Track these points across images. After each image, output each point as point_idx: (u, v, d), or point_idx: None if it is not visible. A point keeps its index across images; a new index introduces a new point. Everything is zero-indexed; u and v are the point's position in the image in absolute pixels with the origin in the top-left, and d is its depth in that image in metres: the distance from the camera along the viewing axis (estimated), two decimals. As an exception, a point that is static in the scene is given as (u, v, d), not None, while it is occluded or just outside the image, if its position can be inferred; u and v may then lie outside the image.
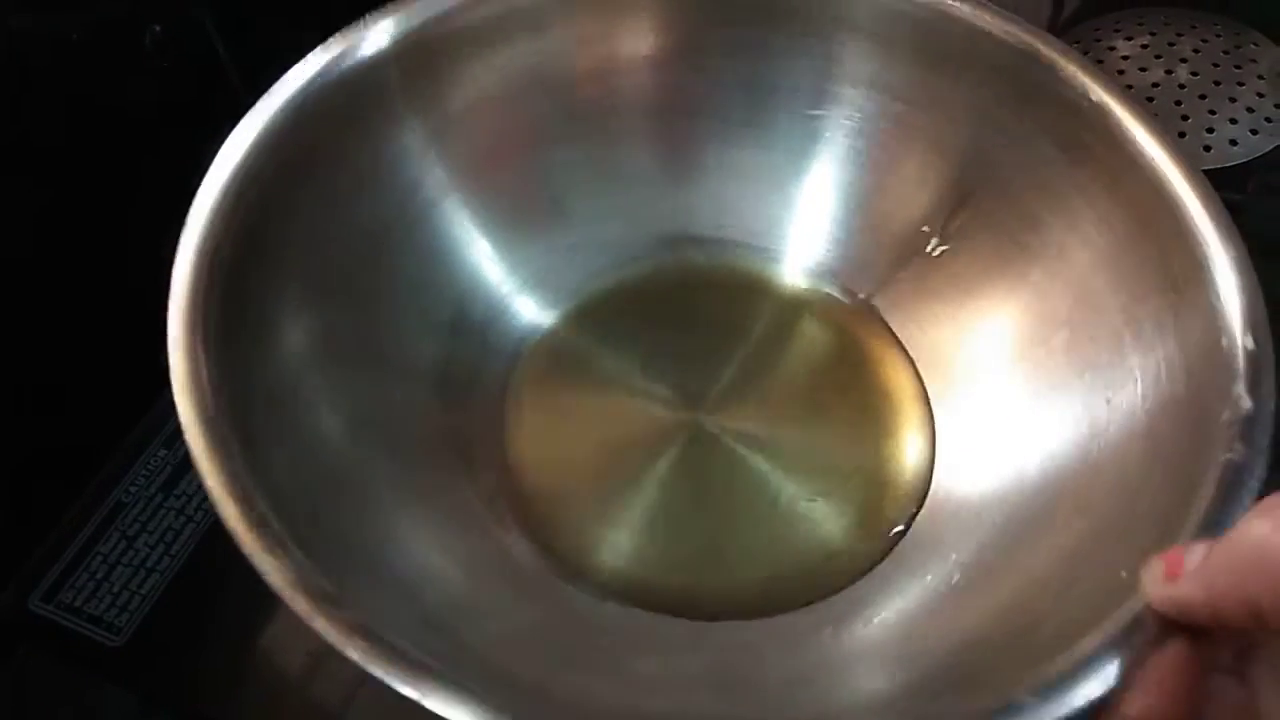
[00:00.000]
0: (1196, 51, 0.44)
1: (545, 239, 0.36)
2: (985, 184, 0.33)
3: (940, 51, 0.32)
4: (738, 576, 0.31)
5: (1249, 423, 0.23)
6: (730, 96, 0.35)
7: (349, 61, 0.30)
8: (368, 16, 0.31)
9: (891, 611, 0.29)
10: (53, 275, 0.36)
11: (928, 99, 0.33)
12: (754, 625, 0.29)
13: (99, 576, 0.35)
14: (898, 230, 0.35)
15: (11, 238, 0.34)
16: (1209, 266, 0.26)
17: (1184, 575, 0.20)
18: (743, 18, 0.34)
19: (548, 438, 0.34)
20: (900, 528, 0.32)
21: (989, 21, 0.31)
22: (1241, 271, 0.26)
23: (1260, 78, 0.43)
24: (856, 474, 0.33)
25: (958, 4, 0.31)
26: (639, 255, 0.37)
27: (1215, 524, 0.22)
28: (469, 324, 0.34)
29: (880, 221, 0.36)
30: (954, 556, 0.29)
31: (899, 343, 0.35)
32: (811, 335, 0.37)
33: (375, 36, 0.30)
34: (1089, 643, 0.21)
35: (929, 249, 0.35)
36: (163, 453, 0.38)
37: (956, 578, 0.28)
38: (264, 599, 0.34)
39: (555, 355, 0.36)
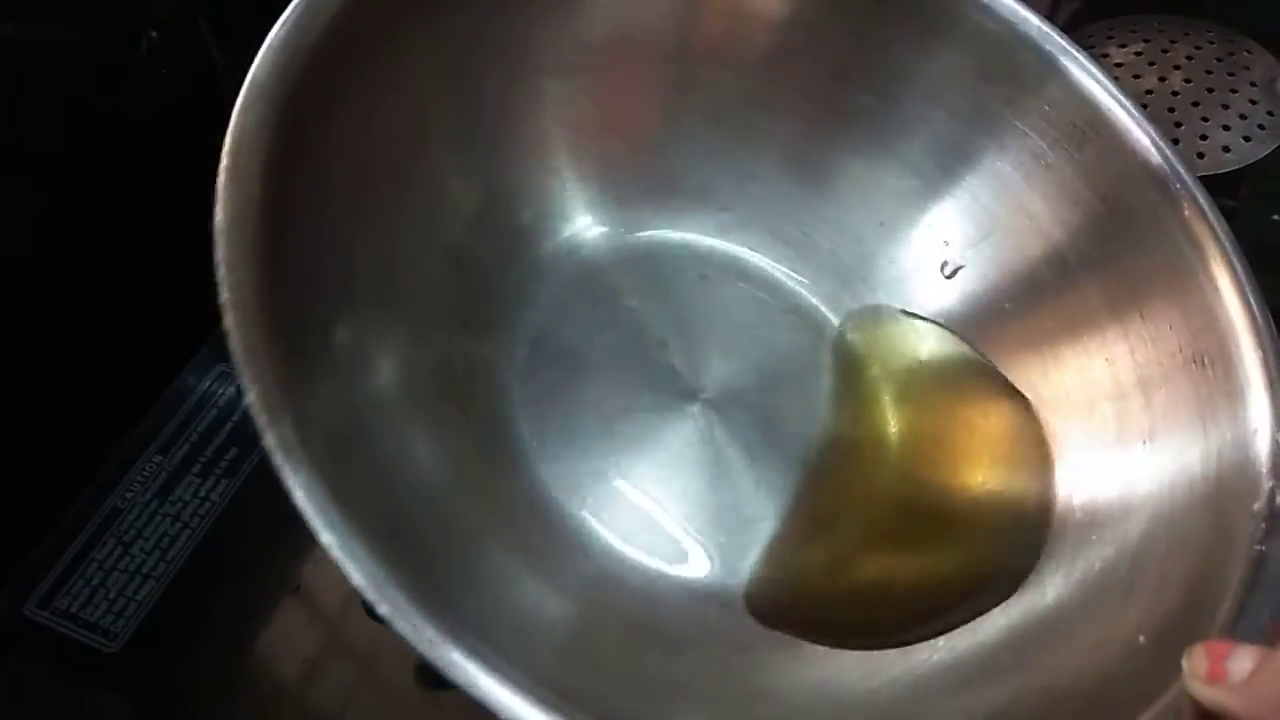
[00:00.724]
0: (1190, 59, 0.44)
1: (644, 199, 0.36)
2: (1120, 239, 0.33)
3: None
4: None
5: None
6: (872, 116, 0.35)
7: None
8: None
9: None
10: (49, 279, 0.36)
11: (1076, 141, 0.33)
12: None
13: (95, 583, 0.35)
14: (1011, 273, 0.35)
15: (9, 241, 0.34)
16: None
17: (1227, 685, 0.20)
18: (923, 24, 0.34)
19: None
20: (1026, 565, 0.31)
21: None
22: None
23: (1253, 84, 0.43)
24: (1001, 514, 0.32)
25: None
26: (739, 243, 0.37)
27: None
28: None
29: (993, 264, 0.35)
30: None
31: (1012, 382, 0.34)
32: (927, 372, 0.36)
33: None
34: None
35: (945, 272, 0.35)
36: (158, 458, 0.38)
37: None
38: (260, 604, 0.35)
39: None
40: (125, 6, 0.36)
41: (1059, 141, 0.33)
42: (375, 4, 0.28)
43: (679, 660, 0.29)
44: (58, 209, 0.36)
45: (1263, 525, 0.24)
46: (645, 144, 0.36)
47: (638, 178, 0.36)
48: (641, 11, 0.34)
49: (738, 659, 0.29)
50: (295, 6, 0.26)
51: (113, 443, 0.38)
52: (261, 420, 0.21)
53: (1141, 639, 0.24)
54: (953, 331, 0.35)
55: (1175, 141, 0.42)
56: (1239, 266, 0.29)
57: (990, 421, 0.34)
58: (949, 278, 0.36)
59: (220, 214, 0.23)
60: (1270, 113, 0.42)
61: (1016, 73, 0.33)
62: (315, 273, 0.26)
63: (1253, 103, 0.43)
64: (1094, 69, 0.32)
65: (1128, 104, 0.32)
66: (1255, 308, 0.28)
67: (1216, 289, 0.29)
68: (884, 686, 0.28)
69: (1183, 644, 0.21)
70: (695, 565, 0.31)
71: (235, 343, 0.21)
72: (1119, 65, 0.45)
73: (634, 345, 0.35)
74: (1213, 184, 0.31)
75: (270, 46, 0.26)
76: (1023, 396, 0.33)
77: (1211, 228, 0.30)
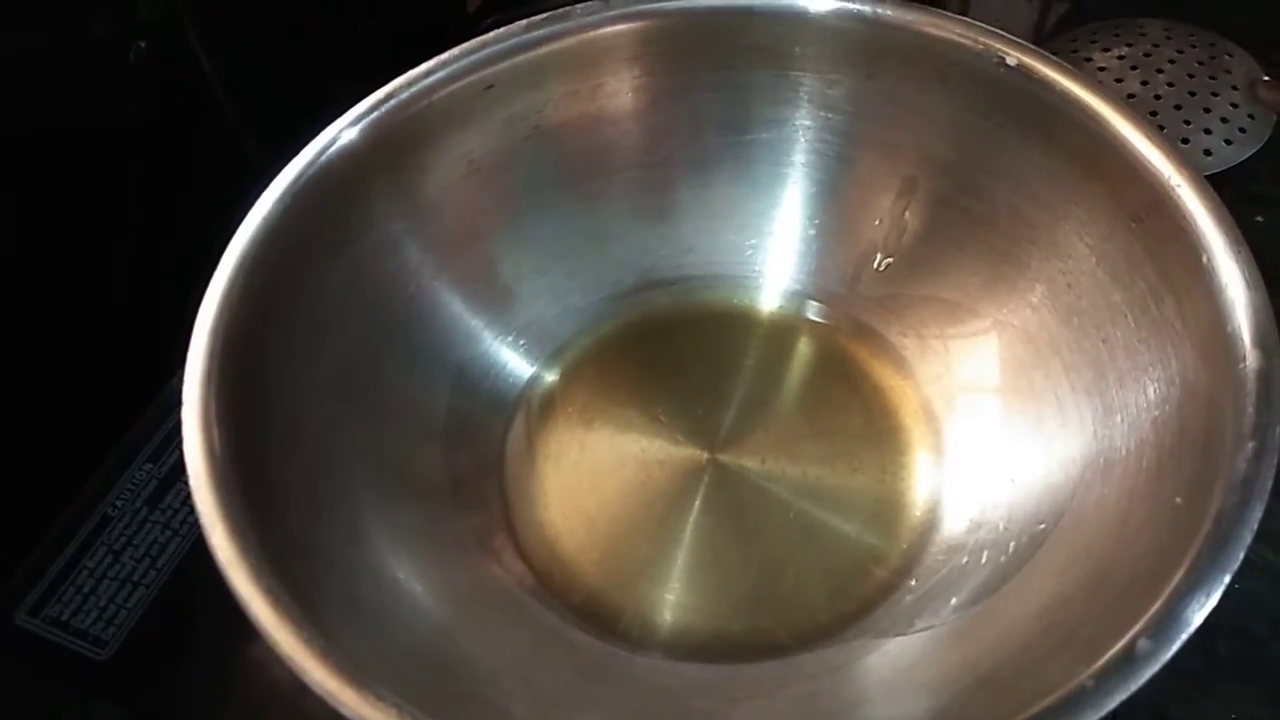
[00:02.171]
0: (1172, 62, 0.45)
1: (535, 291, 0.36)
2: (970, 194, 0.33)
3: (917, 69, 0.33)
4: (795, 609, 0.31)
5: (1264, 397, 0.24)
6: (706, 137, 0.36)
7: (334, 152, 0.31)
8: (344, 116, 0.32)
9: (933, 621, 0.29)
10: (37, 289, 0.36)
11: (906, 115, 0.34)
12: (822, 654, 0.30)
13: (85, 590, 0.35)
14: (878, 242, 0.36)
15: (-3, 251, 0.34)
16: (1206, 251, 0.26)
17: None
18: (716, 61, 0.35)
19: (570, 495, 0.34)
20: (921, 544, 0.32)
21: (962, 34, 0.31)
22: (1240, 260, 0.25)
23: (1235, 88, 0.44)
24: (874, 495, 0.33)
25: (928, 20, 0.32)
26: (627, 301, 0.38)
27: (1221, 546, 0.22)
28: (470, 379, 0.35)
29: (861, 239, 0.36)
30: (979, 566, 0.30)
31: (897, 355, 0.36)
32: (808, 358, 0.37)
33: (353, 129, 0.31)
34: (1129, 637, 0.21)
35: (876, 265, 0.36)
36: (149, 466, 0.38)
37: (977, 601, 0.29)
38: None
39: (560, 405, 0.36)
40: (112, 15, 0.36)
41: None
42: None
43: (578, 685, 0.29)
44: (45, 218, 0.36)
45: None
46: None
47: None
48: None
49: (649, 691, 0.30)
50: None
51: (103, 451, 0.38)
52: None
53: (1179, 500, 0.24)
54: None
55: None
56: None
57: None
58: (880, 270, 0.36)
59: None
60: (1251, 116, 0.43)
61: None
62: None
63: (1234, 106, 0.43)
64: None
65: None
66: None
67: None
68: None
69: (1214, 487, 0.22)
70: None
71: None
72: (1102, 69, 0.45)
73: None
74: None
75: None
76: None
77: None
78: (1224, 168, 0.42)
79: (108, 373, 0.39)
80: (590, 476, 0.34)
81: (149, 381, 0.39)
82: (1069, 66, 0.30)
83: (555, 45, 0.33)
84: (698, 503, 0.33)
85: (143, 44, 0.37)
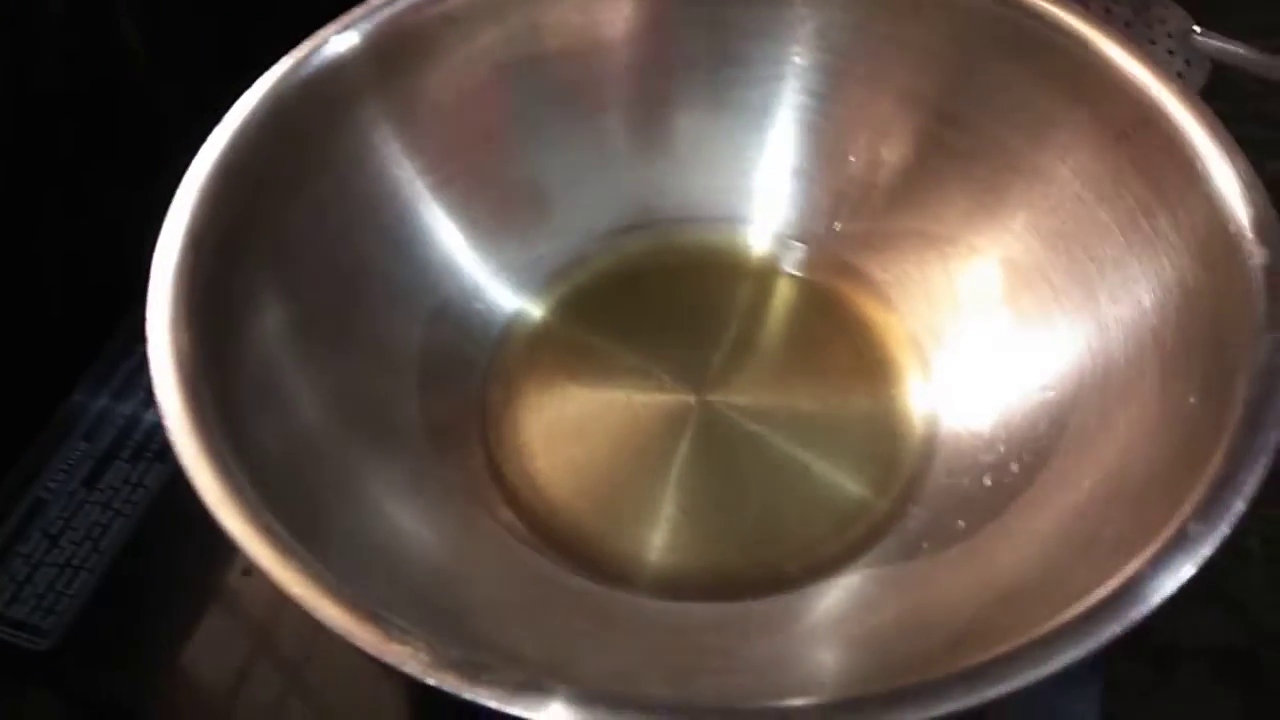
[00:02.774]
0: (1108, 13, 0.46)
1: (521, 227, 0.36)
2: (949, 126, 0.33)
3: (910, 7, 0.32)
4: (799, 543, 0.31)
5: (1274, 290, 0.24)
6: (696, 71, 0.35)
7: (319, 62, 0.30)
8: (340, 17, 0.30)
9: (941, 544, 0.29)
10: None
11: (895, 52, 0.33)
12: (833, 583, 0.29)
13: (20, 579, 0.33)
14: (860, 179, 0.35)
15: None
16: (1200, 158, 0.26)
17: None
18: None
19: (556, 440, 0.33)
20: (920, 472, 0.32)
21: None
22: (1235, 163, 0.26)
23: (1169, 36, 0.45)
24: (868, 428, 0.33)
25: None
26: (616, 237, 0.37)
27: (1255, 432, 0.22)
28: (449, 317, 0.34)
29: (847, 178, 0.36)
30: (984, 488, 0.30)
31: (882, 290, 0.35)
32: (795, 296, 0.37)
33: (346, 34, 0.30)
34: (1151, 550, 0.21)
35: (858, 202, 0.35)
36: (84, 445, 0.35)
37: (983, 523, 0.29)
38: (203, 592, 0.33)
39: (544, 345, 0.35)
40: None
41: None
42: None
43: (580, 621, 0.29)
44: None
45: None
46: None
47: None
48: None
49: (660, 631, 0.29)
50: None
51: (32, 431, 0.36)
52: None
53: (1192, 399, 0.24)
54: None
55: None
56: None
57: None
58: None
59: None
60: (1188, 62, 0.44)
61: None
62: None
63: (1170, 54, 0.44)
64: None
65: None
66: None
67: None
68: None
69: (1234, 382, 0.22)
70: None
71: None
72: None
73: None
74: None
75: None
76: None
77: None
78: (1164, 114, 0.43)
79: (35, 349, 0.37)
80: (576, 423, 0.33)
81: (79, 356, 0.37)
82: None
83: None
84: (686, 444, 0.33)
85: (60, 2, 0.35)
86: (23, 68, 0.35)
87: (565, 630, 0.27)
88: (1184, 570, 0.20)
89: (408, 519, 0.28)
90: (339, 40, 0.30)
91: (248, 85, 0.29)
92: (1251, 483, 0.21)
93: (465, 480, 0.31)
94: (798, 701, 0.20)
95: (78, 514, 0.34)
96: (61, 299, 0.38)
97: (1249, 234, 0.24)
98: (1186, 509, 0.21)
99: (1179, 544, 0.20)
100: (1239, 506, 0.21)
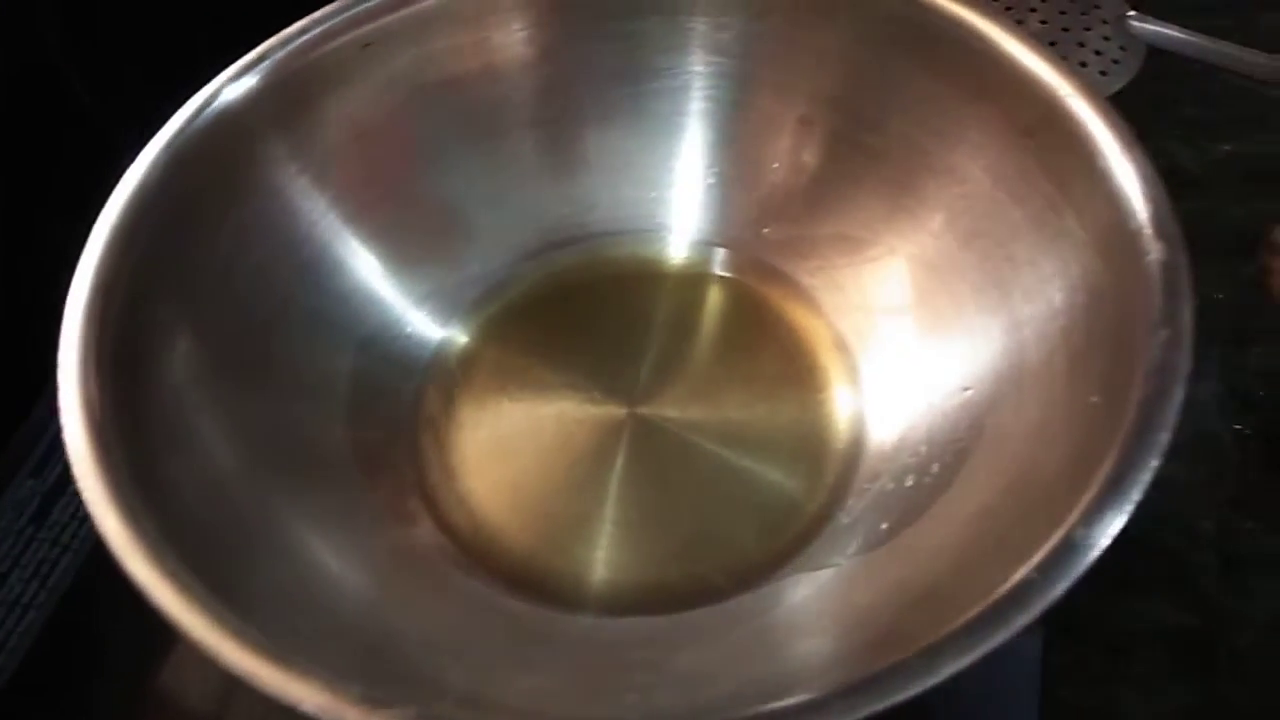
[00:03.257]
0: (1044, 1, 0.46)
1: (442, 252, 0.36)
2: (864, 128, 0.33)
3: (804, 7, 0.33)
4: (729, 552, 0.31)
5: (1170, 286, 0.24)
6: (604, 87, 0.36)
7: (217, 108, 0.30)
8: (232, 67, 0.31)
9: (866, 547, 0.29)
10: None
11: (796, 55, 0.34)
12: (760, 592, 0.30)
13: (-32, 619, 0.33)
14: (779, 185, 0.36)
15: None
16: (1100, 155, 0.27)
17: None
18: (607, 9, 0.34)
19: (490, 461, 0.33)
20: (847, 477, 0.32)
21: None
22: (1135, 159, 0.26)
23: (1104, 22, 0.45)
24: (796, 433, 0.33)
25: None
26: (539, 255, 0.37)
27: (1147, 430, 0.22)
28: (375, 347, 0.34)
29: (762, 182, 0.36)
30: (906, 489, 0.30)
31: (807, 295, 0.36)
32: (721, 303, 0.37)
33: (239, 82, 0.31)
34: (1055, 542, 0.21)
35: (778, 207, 0.36)
36: (31, 482, 0.36)
37: (906, 522, 0.29)
38: (154, 629, 0.33)
39: (474, 368, 0.35)
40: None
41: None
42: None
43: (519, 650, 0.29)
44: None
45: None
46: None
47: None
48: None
49: (589, 648, 0.30)
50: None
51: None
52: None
53: (1094, 399, 0.25)
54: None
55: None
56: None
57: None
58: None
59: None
60: (1123, 47, 0.44)
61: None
62: None
63: (1106, 39, 0.44)
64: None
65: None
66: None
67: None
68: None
69: (1131, 380, 0.23)
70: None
71: None
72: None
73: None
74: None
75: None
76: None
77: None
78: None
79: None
80: (509, 442, 0.34)
81: (23, 392, 0.37)
82: None
83: None
84: (620, 458, 0.33)
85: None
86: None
87: (493, 654, 0.27)
88: (1069, 578, 0.21)
89: (333, 553, 0.28)
90: (234, 86, 0.30)
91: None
92: (1139, 486, 0.21)
93: (396, 508, 0.31)
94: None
95: (26, 551, 0.34)
96: (4, 338, 0.38)
97: (1147, 230, 0.25)
98: (1075, 514, 0.21)
99: (1066, 551, 0.21)
100: (1127, 509, 0.21)
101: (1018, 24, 0.44)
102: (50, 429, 0.37)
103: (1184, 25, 0.45)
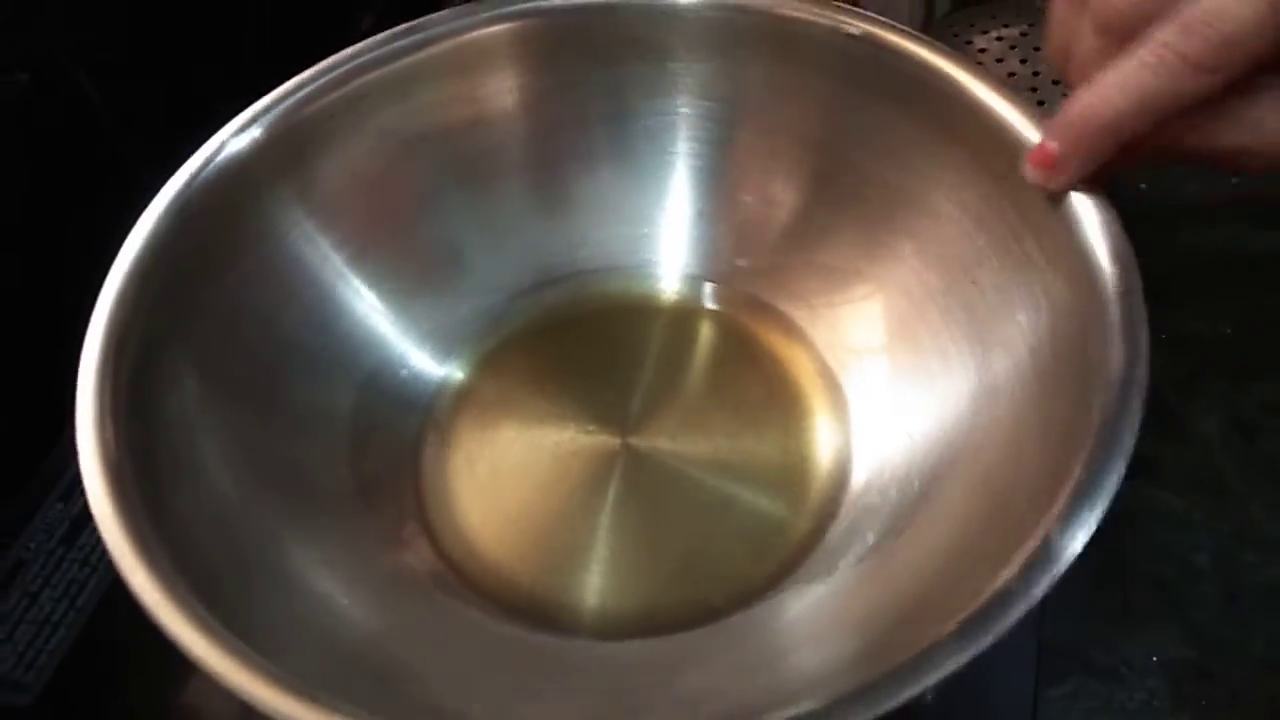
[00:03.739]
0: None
1: (440, 293, 0.37)
2: (845, 167, 0.35)
3: (784, 52, 0.34)
4: (723, 574, 0.32)
5: (1127, 308, 0.25)
6: (592, 131, 0.37)
7: (223, 161, 0.31)
8: (236, 120, 0.32)
9: (854, 560, 0.30)
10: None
11: (778, 98, 0.35)
12: (755, 610, 0.31)
13: (2, 637, 0.34)
14: (764, 222, 0.37)
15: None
16: (1075, 215, 0.27)
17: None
18: (593, 56, 0.36)
19: (487, 491, 0.34)
20: (833, 502, 0.33)
21: (829, 18, 0.33)
22: (1107, 220, 0.27)
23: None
24: (782, 458, 0.34)
25: (785, 2, 0.33)
26: (532, 292, 0.38)
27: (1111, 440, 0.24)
28: (376, 383, 0.35)
29: (746, 218, 0.37)
30: (884, 514, 0.31)
31: (792, 326, 0.37)
32: (707, 337, 0.38)
33: (244, 134, 0.32)
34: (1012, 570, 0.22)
35: (762, 242, 0.37)
36: (60, 506, 0.37)
37: (892, 536, 0.30)
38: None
39: (471, 403, 0.36)
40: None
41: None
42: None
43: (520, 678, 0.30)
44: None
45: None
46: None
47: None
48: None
49: (592, 674, 0.30)
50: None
51: (11, 495, 0.38)
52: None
53: (1061, 410, 0.26)
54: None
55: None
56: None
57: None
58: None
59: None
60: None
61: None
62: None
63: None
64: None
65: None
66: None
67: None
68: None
69: (1090, 397, 0.24)
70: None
71: None
72: (982, 51, 0.47)
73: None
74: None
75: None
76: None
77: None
78: (1102, 136, 0.44)
79: (8, 415, 0.38)
80: (506, 474, 0.35)
81: (52, 420, 0.38)
82: (915, 33, 0.32)
83: (428, 51, 0.34)
84: (614, 487, 0.34)
85: (24, 76, 0.37)
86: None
87: (505, 683, 0.28)
88: (1048, 581, 0.22)
89: (341, 584, 0.29)
90: (239, 139, 0.32)
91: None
92: (1108, 490, 0.23)
93: (397, 539, 0.32)
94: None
95: (56, 572, 0.36)
96: (33, 366, 0.39)
97: (1106, 258, 0.26)
98: (1049, 521, 0.22)
99: (1044, 556, 0.22)
100: (1097, 515, 0.22)
101: (1018, 69, 0.45)
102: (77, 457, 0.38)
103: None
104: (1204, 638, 0.35)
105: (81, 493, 0.36)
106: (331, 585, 0.29)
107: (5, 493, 0.38)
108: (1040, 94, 0.45)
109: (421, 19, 0.34)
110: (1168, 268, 0.46)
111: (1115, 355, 0.24)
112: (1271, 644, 0.35)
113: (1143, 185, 0.49)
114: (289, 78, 0.33)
